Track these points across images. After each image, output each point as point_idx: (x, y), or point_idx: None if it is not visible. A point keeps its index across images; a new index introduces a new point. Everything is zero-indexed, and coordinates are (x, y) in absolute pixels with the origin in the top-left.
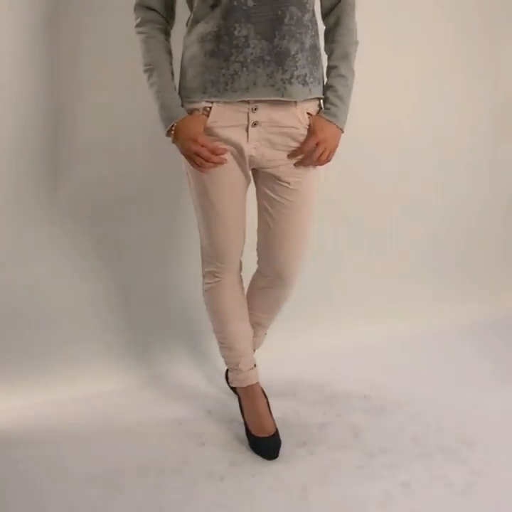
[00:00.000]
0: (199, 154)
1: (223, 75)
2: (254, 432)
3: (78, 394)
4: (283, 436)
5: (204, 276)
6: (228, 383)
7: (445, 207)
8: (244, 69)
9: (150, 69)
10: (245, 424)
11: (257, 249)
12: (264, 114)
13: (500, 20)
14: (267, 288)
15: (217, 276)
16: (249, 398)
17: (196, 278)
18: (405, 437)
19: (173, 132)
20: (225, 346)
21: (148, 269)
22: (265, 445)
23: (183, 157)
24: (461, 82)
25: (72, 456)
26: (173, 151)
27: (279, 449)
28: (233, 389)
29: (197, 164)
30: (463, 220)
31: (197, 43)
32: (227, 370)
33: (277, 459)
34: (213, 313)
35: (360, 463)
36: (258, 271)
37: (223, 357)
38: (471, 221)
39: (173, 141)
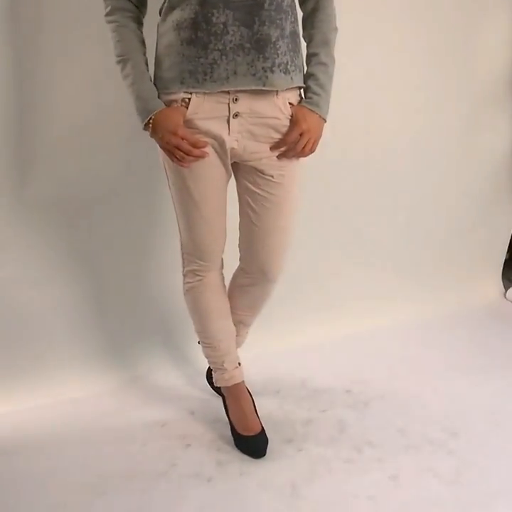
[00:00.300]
0: (179, 148)
1: (202, 64)
2: (240, 431)
3: (57, 398)
4: (269, 434)
5: (185, 275)
6: (210, 384)
7: (425, 197)
8: (224, 57)
9: (123, 60)
10: (231, 423)
11: (239, 246)
12: (245, 104)
13: (477, 10)
14: (250, 285)
15: (198, 275)
16: (234, 397)
17: (175, 277)
18: (391, 430)
19: (150, 125)
20: (209, 346)
21: (125, 269)
22: (252, 444)
23: (161, 151)
24: (438, 72)
25: (55, 461)
26: (148, 146)
27: (266, 447)
28: (216, 389)
29: (177, 158)
30: (442, 209)
31: (173, 30)
32: (208, 371)
33: (265, 457)
34: (195, 313)
35: (348, 458)
36: (240, 268)
37: (207, 357)
38: (450, 210)
39: (151, 135)
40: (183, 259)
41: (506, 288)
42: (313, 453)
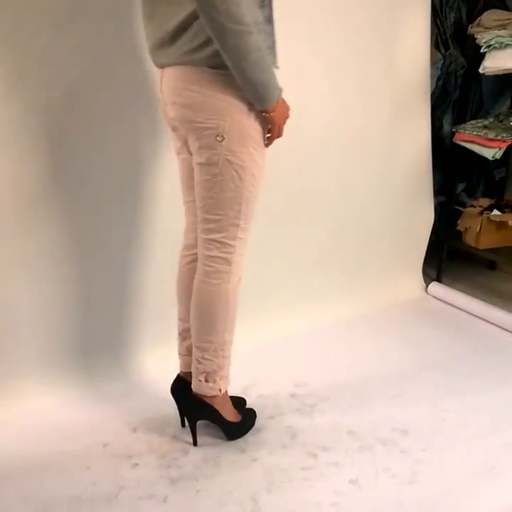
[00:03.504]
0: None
1: (273, 41)
2: (237, 418)
3: None
4: (219, 446)
5: (235, 273)
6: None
7: (347, 196)
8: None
9: (253, 31)
10: (228, 424)
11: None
12: None
13: (397, 13)
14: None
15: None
16: (227, 395)
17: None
18: (342, 433)
19: (278, 104)
20: (228, 355)
21: (76, 279)
22: (250, 415)
23: (251, 141)
24: (357, 72)
25: None
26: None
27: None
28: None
29: (277, 136)
30: (365, 211)
31: (257, 8)
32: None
33: (221, 469)
34: (234, 311)
35: (305, 465)
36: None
37: (221, 368)
38: (373, 212)
39: (271, 113)
40: (234, 254)
41: (427, 283)
42: (268, 462)
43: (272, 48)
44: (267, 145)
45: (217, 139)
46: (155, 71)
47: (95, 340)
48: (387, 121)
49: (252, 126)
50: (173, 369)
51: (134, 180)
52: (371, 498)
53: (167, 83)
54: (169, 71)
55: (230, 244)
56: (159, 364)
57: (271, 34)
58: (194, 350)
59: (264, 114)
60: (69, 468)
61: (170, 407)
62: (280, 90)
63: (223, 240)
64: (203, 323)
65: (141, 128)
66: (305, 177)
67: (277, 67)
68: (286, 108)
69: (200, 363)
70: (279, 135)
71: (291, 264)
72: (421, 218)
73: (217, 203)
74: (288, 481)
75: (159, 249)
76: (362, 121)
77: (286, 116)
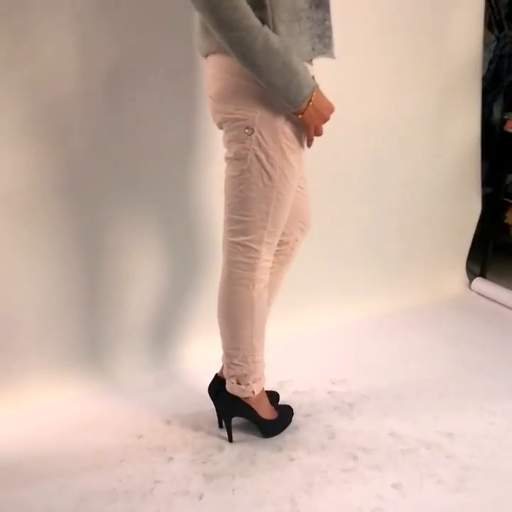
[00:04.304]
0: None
1: (327, 27)
2: (274, 416)
3: (21, 410)
4: (255, 442)
5: (261, 280)
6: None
7: (390, 190)
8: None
9: (257, 34)
10: (264, 423)
11: None
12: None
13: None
14: (278, 263)
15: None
16: (263, 393)
17: (157, 281)
18: (384, 434)
19: (311, 101)
20: (259, 355)
21: (102, 272)
22: (287, 412)
23: (286, 140)
24: (407, 63)
25: (27, 487)
26: None
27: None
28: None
29: (316, 135)
30: (408, 202)
31: None
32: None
33: (257, 468)
34: (261, 317)
35: (345, 466)
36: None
37: (251, 372)
38: (415, 204)
39: (305, 112)
40: (262, 256)
41: (470, 279)
42: (307, 462)
43: (322, 36)
44: (308, 145)
45: (246, 131)
46: (200, 57)
47: (130, 330)
48: (435, 107)
49: (286, 123)
50: (210, 363)
51: (168, 170)
52: (416, 505)
53: (207, 74)
54: (208, 60)
55: (255, 249)
56: (197, 357)
57: (320, 21)
58: (223, 354)
59: (295, 115)
60: (104, 459)
61: (205, 401)
62: (309, 90)
63: (248, 243)
64: (228, 331)
65: (181, 118)
66: (347, 164)
67: (333, 58)
68: (324, 107)
69: (229, 367)
70: (318, 134)
71: (330, 257)
72: (467, 210)
73: (243, 203)
74: (327, 483)
75: (194, 241)
76: (409, 106)
77: (325, 117)
